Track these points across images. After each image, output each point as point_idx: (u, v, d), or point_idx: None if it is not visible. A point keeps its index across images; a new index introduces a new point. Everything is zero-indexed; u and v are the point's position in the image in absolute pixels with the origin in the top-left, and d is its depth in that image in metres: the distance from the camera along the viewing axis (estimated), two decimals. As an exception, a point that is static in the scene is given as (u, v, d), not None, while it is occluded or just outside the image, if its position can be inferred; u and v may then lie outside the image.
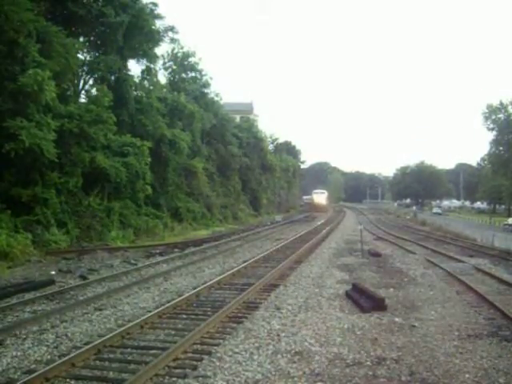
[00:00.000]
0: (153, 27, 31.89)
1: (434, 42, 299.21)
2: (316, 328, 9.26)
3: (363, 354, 7.80)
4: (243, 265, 16.54)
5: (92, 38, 29.88)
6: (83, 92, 29.46)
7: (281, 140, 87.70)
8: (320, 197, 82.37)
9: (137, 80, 33.35)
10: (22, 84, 19.19)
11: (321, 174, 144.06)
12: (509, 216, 65.25)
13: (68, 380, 6.60)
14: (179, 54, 46.87)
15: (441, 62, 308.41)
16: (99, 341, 7.89)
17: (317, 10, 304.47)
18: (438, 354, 7.87)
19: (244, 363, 7.32)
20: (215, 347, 7.94)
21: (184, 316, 9.95)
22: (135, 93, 31.75)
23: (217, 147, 47.65)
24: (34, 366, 7.15)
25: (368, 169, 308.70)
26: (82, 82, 29.22)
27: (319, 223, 43.81)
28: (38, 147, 19.12)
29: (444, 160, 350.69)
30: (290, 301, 11.49)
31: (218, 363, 7.27)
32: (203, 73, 49.43)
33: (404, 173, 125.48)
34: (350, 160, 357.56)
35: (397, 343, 8.42)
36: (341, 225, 45.29)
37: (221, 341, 8.28)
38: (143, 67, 34.25)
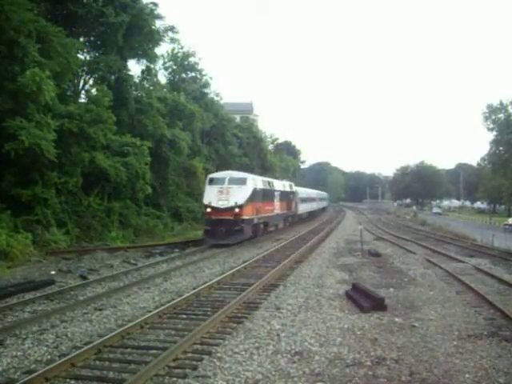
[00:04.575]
0: (153, 27, 31.88)
1: (434, 41, 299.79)
2: (316, 328, 9.26)
3: (363, 354, 7.80)
4: (243, 265, 16.56)
5: (92, 38, 29.93)
6: (83, 92, 29.46)
7: (281, 140, 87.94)
8: (227, 195, 23.05)
9: (137, 80, 33.42)
10: (21, 84, 19.18)
11: (321, 174, 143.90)
12: (509, 216, 65.18)
13: (68, 380, 6.61)
14: (179, 54, 46.88)
15: (441, 62, 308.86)
16: (99, 341, 7.90)
17: (317, 11, 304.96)
18: (437, 354, 7.87)
19: (244, 363, 7.32)
20: (215, 347, 7.95)
21: (184, 316, 9.96)
22: (135, 93, 31.77)
23: (217, 147, 47.66)
24: (33, 366, 7.16)
25: (368, 169, 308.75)
26: (82, 82, 29.24)
27: (319, 223, 43.82)
28: (38, 147, 19.12)
29: (444, 160, 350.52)
30: (290, 301, 11.49)
31: (218, 363, 7.27)
32: (203, 73, 49.61)
33: (404, 173, 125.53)
34: (350, 160, 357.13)
35: (397, 343, 8.42)
36: (341, 225, 45.34)
37: (221, 341, 8.29)
38: (143, 67, 34.39)
